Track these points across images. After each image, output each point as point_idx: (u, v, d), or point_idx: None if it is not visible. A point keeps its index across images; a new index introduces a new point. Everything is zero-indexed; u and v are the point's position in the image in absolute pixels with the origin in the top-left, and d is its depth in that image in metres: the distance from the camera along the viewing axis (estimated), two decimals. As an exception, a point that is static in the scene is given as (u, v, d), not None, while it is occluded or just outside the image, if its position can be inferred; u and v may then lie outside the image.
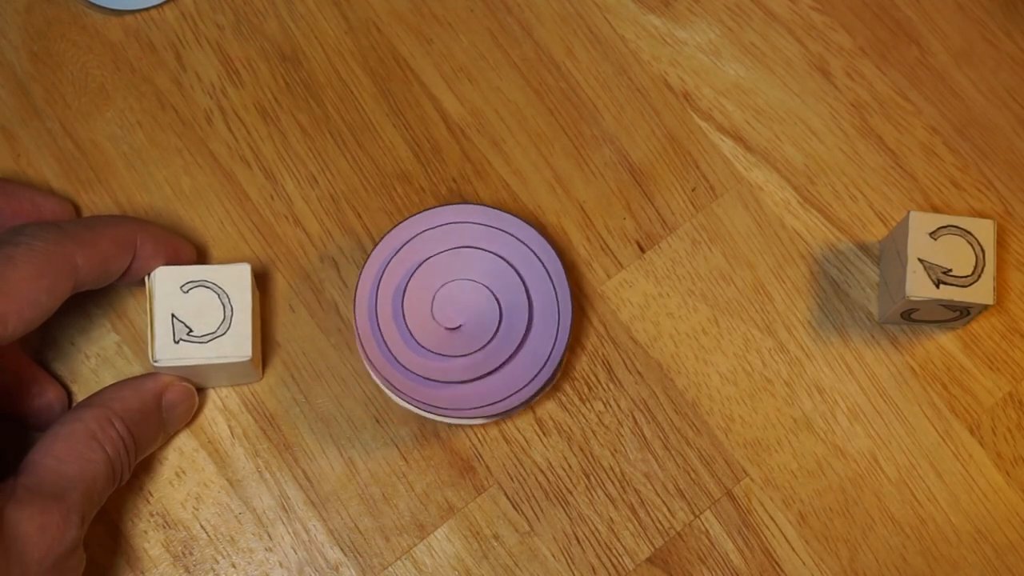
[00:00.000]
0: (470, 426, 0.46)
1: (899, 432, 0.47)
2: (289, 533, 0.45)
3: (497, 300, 0.43)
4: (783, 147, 0.50)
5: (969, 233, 0.45)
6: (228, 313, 0.43)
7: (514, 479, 0.46)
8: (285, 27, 0.51)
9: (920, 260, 0.45)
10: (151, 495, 0.45)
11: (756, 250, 0.49)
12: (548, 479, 0.46)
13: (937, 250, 0.45)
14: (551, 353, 0.43)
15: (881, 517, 0.46)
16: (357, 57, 0.50)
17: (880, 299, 0.48)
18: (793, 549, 0.45)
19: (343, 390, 0.46)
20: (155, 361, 0.42)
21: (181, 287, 0.43)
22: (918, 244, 0.45)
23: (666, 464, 0.46)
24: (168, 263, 0.43)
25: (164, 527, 0.45)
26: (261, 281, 0.47)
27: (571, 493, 0.46)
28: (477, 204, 0.44)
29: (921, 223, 0.45)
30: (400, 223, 0.44)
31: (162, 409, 0.43)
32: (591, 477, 0.46)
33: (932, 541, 0.46)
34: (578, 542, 0.45)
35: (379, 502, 0.45)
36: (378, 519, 0.45)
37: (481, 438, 0.46)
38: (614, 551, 0.45)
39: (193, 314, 0.42)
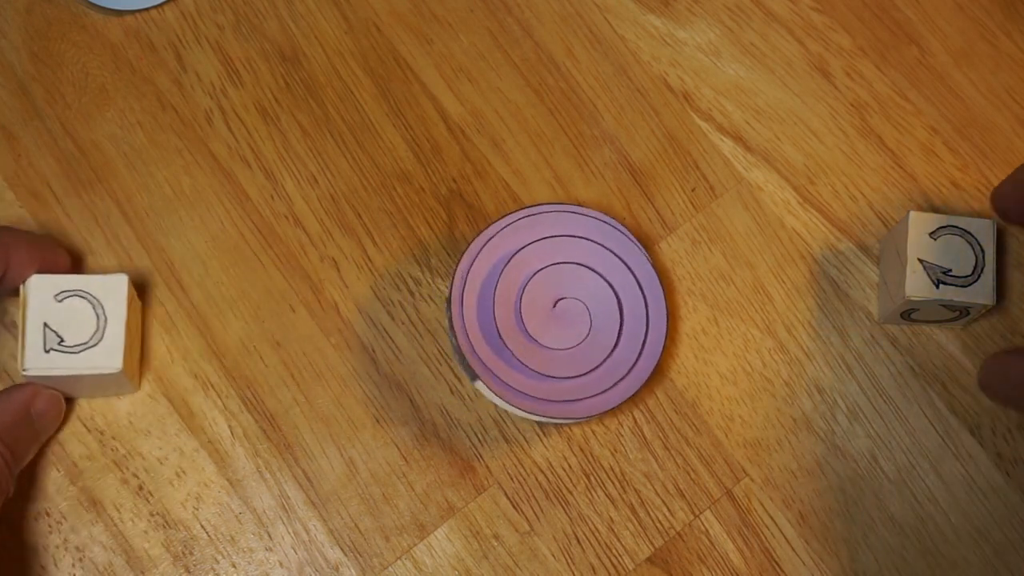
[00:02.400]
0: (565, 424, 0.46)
1: (899, 432, 0.47)
2: (289, 533, 0.45)
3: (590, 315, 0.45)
4: (783, 147, 0.50)
5: (969, 233, 0.45)
6: (101, 324, 0.42)
7: (514, 479, 0.46)
8: (285, 27, 0.51)
9: (920, 260, 0.45)
10: (151, 495, 0.45)
11: (756, 250, 0.49)
12: (548, 479, 0.46)
13: (937, 250, 0.45)
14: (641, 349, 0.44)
15: (881, 517, 0.46)
16: (357, 57, 0.50)
17: (880, 299, 0.48)
18: (793, 549, 0.45)
19: (343, 390, 0.46)
20: (24, 370, 0.42)
21: (55, 296, 0.42)
22: (918, 244, 0.45)
23: (666, 464, 0.46)
24: (42, 272, 0.43)
25: (164, 527, 0.45)
26: (142, 292, 0.46)
27: (571, 493, 0.46)
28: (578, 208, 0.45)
29: (921, 223, 0.45)
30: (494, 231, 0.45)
31: (32, 419, 0.43)
32: (591, 477, 0.46)
33: (932, 541, 0.46)
34: (578, 542, 0.45)
35: (379, 502, 0.45)
36: (378, 519, 0.45)
37: (481, 438, 0.46)
38: (614, 551, 0.45)
39: (65, 324, 0.42)
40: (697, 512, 0.46)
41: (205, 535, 0.45)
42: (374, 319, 0.47)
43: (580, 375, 0.43)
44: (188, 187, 0.48)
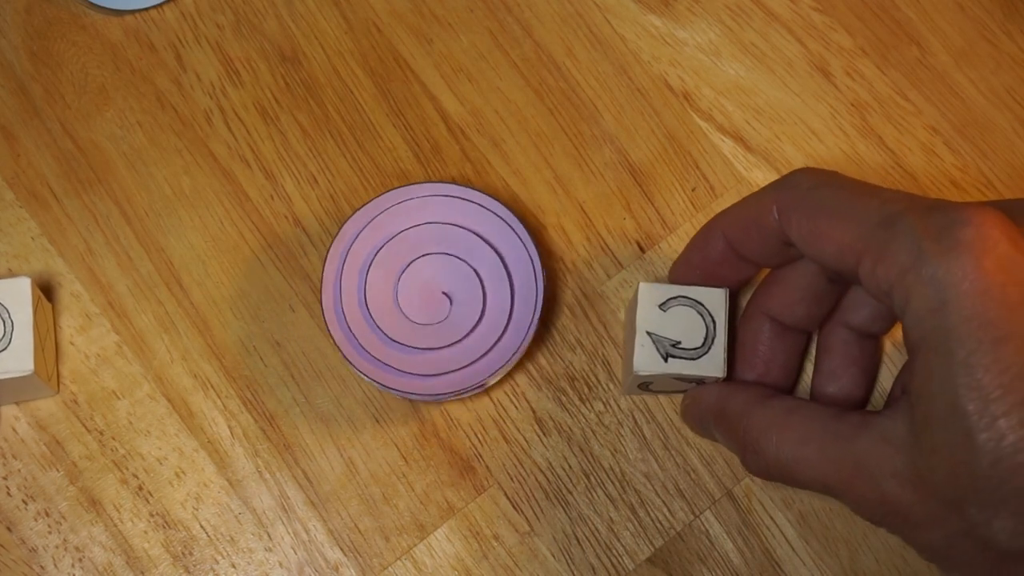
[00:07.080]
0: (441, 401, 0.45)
1: (899, 432, 0.47)
2: (289, 533, 0.45)
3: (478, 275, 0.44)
4: (783, 147, 0.50)
5: (699, 303, 0.43)
6: (8, 328, 0.42)
7: (514, 479, 0.46)
8: (285, 27, 0.51)
9: (648, 333, 0.43)
10: (151, 495, 0.45)
11: (756, 250, 0.49)
12: (548, 479, 0.46)
13: (666, 322, 0.43)
14: (531, 320, 0.43)
15: (881, 517, 0.46)
16: (357, 57, 0.50)
17: (623, 370, 0.46)
18: (793, 549, 0.46)
19: (343, 390, 0.46)
20: None
21: None
22: (647, 316, 0.43)
23: (666, 464, 0.46)
24: None
25: (164, 527, 0.45)
26: (50, 293, 0.45)
27: (571, 493, 0.46)
28: (429, 181, 0.44)
29: (650, 294, 0.43)
30: (353, 213, 0.44)
31: None
32: (591, 477, 0.46)
33: (932, 541, 0.46)
34: (578, 542, 0.45)
35: (379, 502, 0.45)
36: (378, 519, 0.45)
37: (481, 438, 0.46)
38: (614, 551, 0.45)
39: None
40: (697, 512, 0.46)
41: (205, 535, 0.45)
42: (374, 319, 0.47)
43: (457, 369, 0.43)
44: (188, 187, 0.48)
